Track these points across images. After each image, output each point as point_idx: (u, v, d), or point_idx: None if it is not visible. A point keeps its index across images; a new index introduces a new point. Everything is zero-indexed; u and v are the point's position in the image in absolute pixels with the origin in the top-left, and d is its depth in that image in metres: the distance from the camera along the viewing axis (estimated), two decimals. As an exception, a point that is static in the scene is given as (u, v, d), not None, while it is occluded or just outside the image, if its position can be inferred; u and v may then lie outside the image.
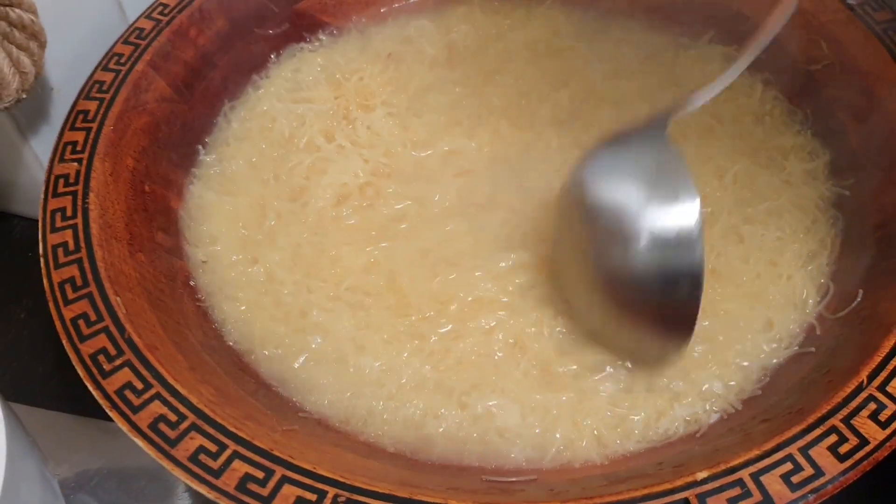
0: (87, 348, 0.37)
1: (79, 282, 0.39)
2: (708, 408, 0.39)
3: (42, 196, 0.43)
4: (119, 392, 0.35)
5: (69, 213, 0.42)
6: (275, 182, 0.51)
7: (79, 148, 0.45)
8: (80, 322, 0.37)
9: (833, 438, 0.32)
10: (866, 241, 0.43)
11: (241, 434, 0.34)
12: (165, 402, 0.35)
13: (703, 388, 0.40)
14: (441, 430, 0.39)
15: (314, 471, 0.32)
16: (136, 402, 0.35)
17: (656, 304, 0.38)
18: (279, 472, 0.32)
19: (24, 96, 0.45)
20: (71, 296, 0.38)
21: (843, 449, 0.32)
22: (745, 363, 0.41)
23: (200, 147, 0.52)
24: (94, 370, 0.36)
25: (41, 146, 0.53)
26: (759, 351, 0.41)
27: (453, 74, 0.57)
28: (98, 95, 0.47)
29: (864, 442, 0.32)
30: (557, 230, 0.45)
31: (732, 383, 0.40)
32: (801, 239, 0.46)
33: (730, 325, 0.42)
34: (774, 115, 0.52)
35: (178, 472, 0.33)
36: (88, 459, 0.47)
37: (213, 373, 0.39)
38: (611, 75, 0.55)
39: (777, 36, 0.53)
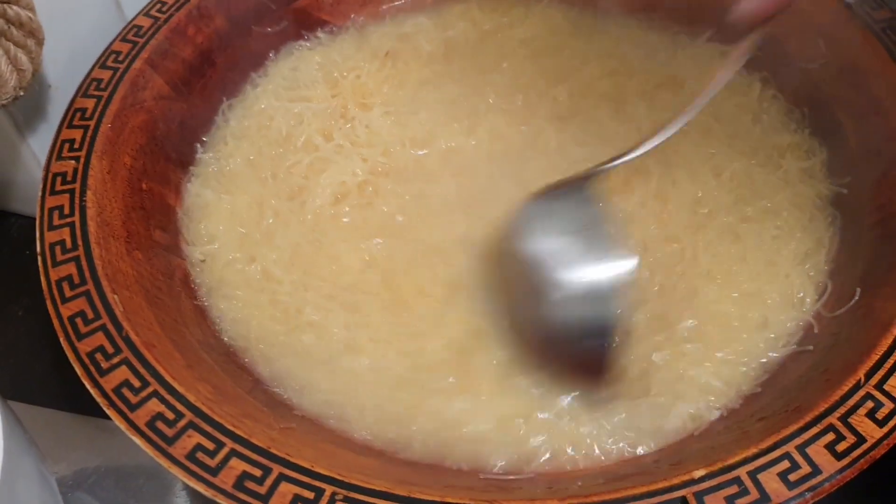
0: (84, 346, 0.36)
1: (76, 280, 0.39)
2: (706, 405, 0.39)
3: (39, 194, 0.43)
4: (116, 390, 0.35)
5: (66, 210, 0.42)
6: (273, 181, 0.51)
7: (76, 146, 0.44)
8: (78, 320, 0.37)
9: (830, 436, 0.32)
10: (864, 240, 0.43)
11: (238, 432, 0.34)
12: (163, 400, 0.35)
13: (700, 385, 0.40)
14: (428, 433, 0.39)
15: (312, 469, 0.32)
16: (134, 399, 0.35)
17: (573, 352, 0.40)
18: (276, 469, 0.32)
19: (22, 94, 0.45)
20: (68, 294, 0.38)
21: (841, 447, 0.32)
22: (743, 361, 0.41)
23: (198, 145, 0.52)
24: (92, 368, 0.36)
25: (39, 144, 0.53)
26: (756, 349, 0.41)
27: (451, 72, 0.57)
28: (96, 93, 0.47)
29: (861, 440, 0.32)
30: (496, 275, 0.46)
31: (730, 381, 0.40)
32: (798, 237, 0.46)
33: (724, 325, 0.42)
34: (772, 114, 0.52)
35: (175, 470, 0.33)
36: (86, 457, 0.48)
37: (210, 371, 0.39)
38: (609, 73, 0.55)
39: (776, 34, 0.53)
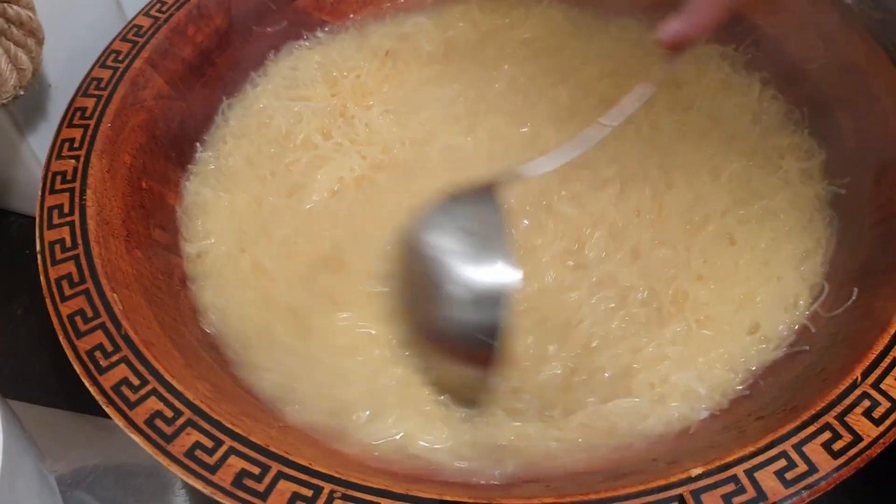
0: (83, 344, 0.37)
1: (76, 278, 0.39)
2: (694, 408, 0.40)
3: (39, 193, 0.43)
4: (115, 388, 0.35)
5: (66, 209, 0.42)
6: (271, 178, 0.51)
7: (76, 145, 0.45)
8: (77, 318, 0.37)
9: (827, 435, 0.32)
10: (862, 240, 0.43)
11: (237, 430, 0.34)
12: (162, 398, 0.35)
13: (683, 391, 0.40)
14: (421, 442, 0.39)
15: (310, 466, 0.32)
16: (133, 398, 0.35)
17: (460, 351, 0.40)
18: (275, 467, 0.32)
19: (22, 93, 0.45)
20: (68, 292, 0.38)
21: (837, 446, 0.32)
22: (730, 365, 0.41)
23: (198, 144, 0.52)
24: (91, 366, 0.36)
25: (39, 143, 0.53)
26: (745, 353, 0.41)
27: (451, 72, 0.57)
28: (96, 92, 0.47)
29: (857, 439, 0.32)
30: (396, 272, 0.46)
31: (714, 386, 0.40)
32: (795, 239, 0.45)
33: (714, 329, 0.42)
34: (771, 114, 0.52)
35: (174, 468, 0.33)
36: (85, 456, 0.48)
37: (209, 369, 0.39)
38: (608, 74, 0.55)
39: (775, 35, 0.53)
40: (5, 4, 0.42)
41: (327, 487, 0.32)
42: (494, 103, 0.55)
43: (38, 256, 0.40)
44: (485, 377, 0.39)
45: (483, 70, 0.57)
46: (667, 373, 0.40)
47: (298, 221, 0.49)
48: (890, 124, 0.45)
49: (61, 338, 0.37)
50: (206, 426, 0.34)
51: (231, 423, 0.34)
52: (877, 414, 0.33)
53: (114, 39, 0.50)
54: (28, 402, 0.49)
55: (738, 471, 0.32)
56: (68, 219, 0.41)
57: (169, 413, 0.34)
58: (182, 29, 0.52)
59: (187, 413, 0.34)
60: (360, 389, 0.41)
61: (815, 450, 0.32)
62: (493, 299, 0.39)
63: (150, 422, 0.34)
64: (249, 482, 0.32)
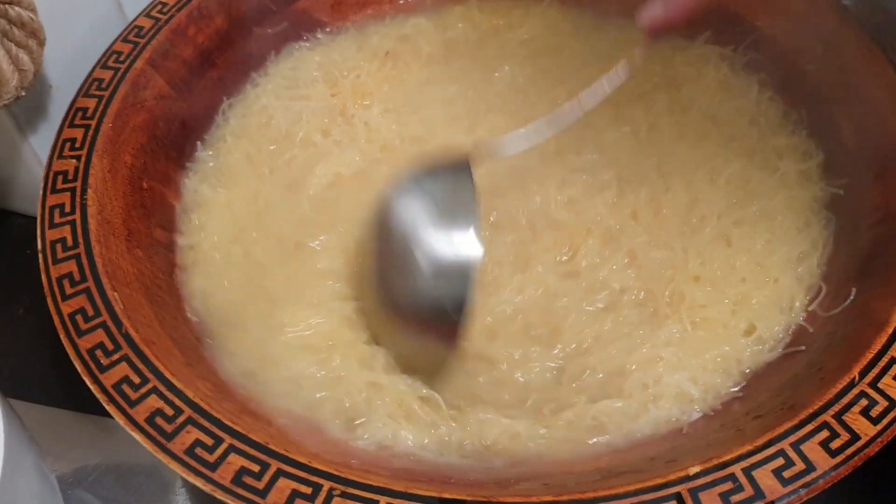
0: (84, 343, 0.37)
1: (77, 277, 0.39)
2: (685, 409, 0.40)
3: (41, 192, 0.43)
4: (116, 386, 0.35)
5: (67, 209, 0.42)
6: (270, 175, 0.51)
7: (77, 145, 0.45)
8: (78, 317, 0.38)
9: (825, 434, 0.33)
10: (859, 241, 0.43)
11: (237, 428, 0.34)
12: (162, 397, 0.35)
13: (677, 392, 0.40)
14: (410, 440, 0.40)
15: (309, 464, 0.33)
16: (133, 396, 0.35)
17: (426, 322, 0.40)
18: (274, 465, 0.33)
19: (24, 94, 0.45)
20: (69, 291, 0.39)
21: (835, 444, 0.32)
22: (723, 368, 0.41)
23: (199, 143, 0.53)
24: (92, 365, 0.36)
25: (40, 143, 0.53)
26: (739, 355, 0.42)
27: (451, 72, 0.57)
28: (97, 93, 0.47)
29: (855, 437, 0.32)
30: (366, 247, 0.46)
31: (707, 387, 0.40)
32: (792, 241, 0.46)
33: (709, 331, 0.42)
34: (769, 116, 0.52)
35: (174, 466, 0.33)
36: (86, 455, 0.48)
37: (209, 367, 0.40)
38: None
39: (773, 36, 0.54)
40: (7, 6, 0.42)
41: (326, 485, 0.32)
42: (494, 103, 0.55)
43: (40, 255, 0.40)
44: (447, 350, 0.39)
45: (483, 71, 0.57)
46: (660, 374, 0.41)
47: (293, 215, 0.49)
48: (888, 125, 0.45)
49: (62, 336, 0.37)
50: (207, 424, 0.34)
51: (231, 421, 0.34)
52: (874, 413, 0.33)
53: (115, 40, 0.50)
54: (29, 402, 0.49)
55: (736, 469, 0.32)
56: (69, 218, 0.42)
57: (169, 411, 0.34)
58: (183, 30, 0.52)
59: (187, 411, 0.34)
60: (332, 386, 0.41)
61: (812, 448, 0.32)
62: (458, 272, 0.39)
63: (150, 420, 0.34)
64: (249, 480, 0.32)
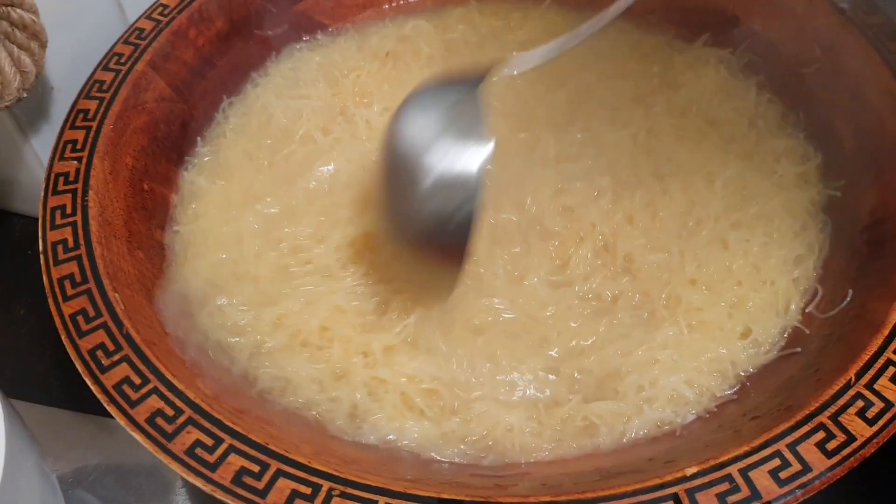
0: (85, 344, 0.37)
1: (78, 278, 0.39)
2: (678, 412, 0.40)
3: (42, 194, 0.43)
4: (117, 387, 0.35)
5: (69, 210, 0.42)
6: (269, 168, 0.52)
7: (79, 146, 0.45)
8: (79, 318, 0.38)
9: (821, 435, 0.33)
10: (856, 243, 0.44)
11: (237, 428, 0.34)
12: (163, 397, 0.35)
13: (672, 394, 0.40)
14: (416, 434, 0.40)
15: (309, 464, 0.33)
16: (134, 396, 0.35)
17: (434, 238, 0.40)
18: (274, 465, 0.33)
19: (25, 95, 0.46)
20: (70, 292, 0.39)
21: (831, 445, 0.32)
22: (719, 370, 0.41)
23: (199, 139, 0.53)
24: (93, 365, 0.36)
25: (41, 144, 0.54)
26: (735, 358, 0.42)
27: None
28: (98, 95, 0.47)
29: (851, 438, 0.32)
30: (377, 171, 0.46)
31: (703, 389, 0.41)
32: (789, 244, 0.46)
33: (706, 334, 0.43)
34: (768, 118, 0.52)
35: (174, 466, 0.33)
36: (87, 456, 0.48)
37: (209, 368, 0.40)
38: (606, 77, 0.56)
39: (771, 39, 0.54)
40: (9, 8, 0.43)
41: (326, 485, 0.32)
42: (494, 106, 0.55)
43: (41, 256, 0.40)
44: (454, 270, 0.40)
45: (482, 72, 0.57)
46: (656, 376, 0.41)
47: (289, 206, 0.49)
48: (885, 128, 0.45)
49: (63, 337, 0.37)
50: (207, 424, 0.34)
51: (231, 422, 0.34)
52: (870, 414, 0.33)
53: (116, 42, 0.51)
54: (30, 402, 0.50)
55: (733, 470, 0.32)
56: (71, 219, 0.42)
57: (170, 411, 0.35)
58: (183, 32, 0.52)
59: (188, 411, 0.35)
60: (333, 382, 0.42)
61: (809, 449, 0.32)
62: (461, 185, 0.38)
63: (151, 420, 0.34)
64: (249, 480, 0.32)
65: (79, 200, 0.43)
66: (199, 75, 0.53)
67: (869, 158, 0.46)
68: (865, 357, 0.35)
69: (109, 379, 0.36)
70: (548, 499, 0.32)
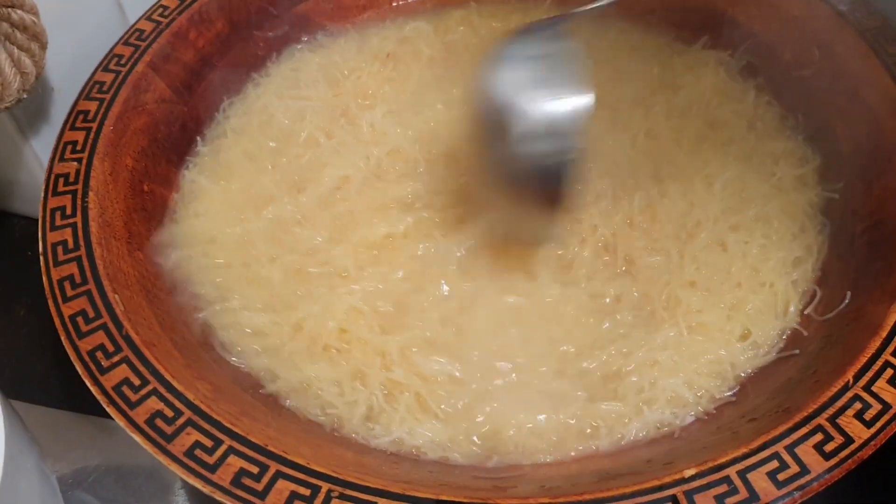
0: (85, 345, 0.37)
1: (78, 279, 0.39)
2: (677, 413, 0.40)
3: (42, 195, 0.43)
4: (117, 388, 0.35)
5: (69, 211, 0.42)
6: (272, 170, 0.52)
7: (79, 147, 0.45)
8: (79, 319, 0.38)
9: (819, 437, 0.33)
10: (854, 245, 0.44)
11: (236, 430, 0.34)
12: (162, 398, 0.35)
13: (671, 396, 0.40)
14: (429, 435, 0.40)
15: (308, 466, 0.33)
16: (134, 397, 0.35)
17: (535, 183, 0.42)
18: (273, 467, 0.33)
19: (25, 96, 0.46)
20: (70, 293, 0.39)
21: (829, 447, 0.32)
22: (718, 372, 0.41)
23: (199, 138, 0.53)
24: (93, 366, 0.36)
25: (41, 145, 0.54)
26: (734, 359, 0.42)
27: (451, 75, 0.57)
28: (98, 96, 0.48)
29: (849, 440, 0.33)
30: (473, 124, 0.47)
31: (702, 391, 0.41)
32: (787, 246, 0.46)
33: (705, 336, 0.43)
34: (766, 121, 0.52)
35: (174, 467, 0.33)
36: (86, 456, 0.48)
37: (209, 369, 0.40)
38: (606, 79, 0.56)
39: (770, 41, 0.54)
40: (9, 9, 0.43)
41: (325, 486, 0.32)
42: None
43: (41, 257, 0.40)
44: (551, 213, 0.42)
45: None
46: (656, 378, 0.41)
47: (300, 210, 0.49)
48: (883, 130, 0.45)
49: (63, 338, 0.37)
50: (206, 426, 0.34)
51: (230, 423, 0.34)
52: (868, 416, 0.33)
53: (116, 43, 0.51)
54: (30, 403, 0.50)
55: (731, 472, 0.32)
56: (70, 220, 0.42)
57: (169, 413, 0.35)
58: (184, 33, 0.53)
59: (187, 413, 0.35)
60: (349, 385, 0.42)
61: (807, 451, 0.32)
62: (563, 130, 0.40)
63: (150, 421, 0.34)
64: (248, 481, 0.32)
65: (79, 201, 0.43)
66: (199, 76, 0.53)
67: (867, 160, 0.46)
68: (863, 359, 0.35)
69: (109, 380, 0.36)
70: (546, 500, 0.32)
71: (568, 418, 0.40)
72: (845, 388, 0.34)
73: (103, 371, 0.36)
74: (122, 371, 0.36)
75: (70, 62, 0.52)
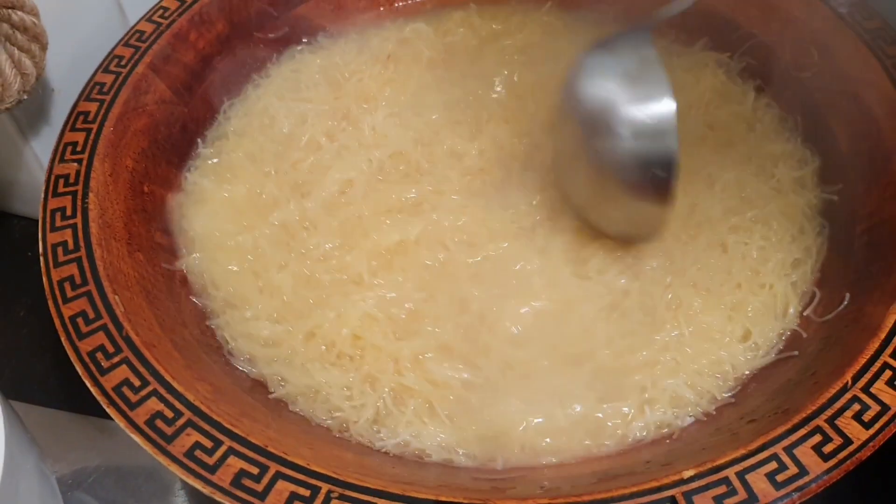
0: (85, 346, 0.37)
1: (78, 280, 0.39)
2: (678, 413, 0.40)
3: (42, 196, 0.43)
4: (116, 389, 0.36)
5: (69, 212, 0.42)
6: (275, 174, 0.52)
7: (79, 148, 0.45)
8: (79, 320, 0.38)
9: (817, 438, 0.33)
10: (853, 247, 0.44)
11: (236, 430, 0.34)
12: (162, 399, 0.35)
13: (672, 396, 0.41)
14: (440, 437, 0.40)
15: (308, 467, 0.33)
16: (134, 398, 0.35)
17: (638, 186, 0.43)
18: (273, 468, 0.33)
19: (26, 97, 0.46)
20: (70, 294, 0.39)
21: (828, 448, 0.33)
22: (718, 372, 0.42)
23: (199, 140, 0.53)
24: (93, 367, 0.36)
25: (41, 146, 0.54)
26: (734, 360, 0.42)
27: (452, 77, 0.58)
28: (98, 97, 0.48)
29: (847, 442, 0.33)
30: (557, 130, 0.49)
31: (702, 391, 0.41)
32: (786, 247, 0.46)
33: (706, 337, 0.43)
34: (766, 122, 0.53)
35: (174, 468, 0.33)
36: (86, 457, 0.48)
37: (209, 370, 0.40)
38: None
39: (769, 43, 0.54)
40: (10, 10, 0.43)
41: (325, 487, 0.32)
42: (495, 111, 0.55)
43: (41, 258, 0.40)
44: (661, 207, 0.43)
45: (483, 76, 0.57)
46: (657, 378, 0.41)
47: (306, 216, 0.49)
48: (882, 132, 0.45)
49: (63, 339, 0.37)
50: (206, 427, 0.34)
51: (230, 424, 0.34)
52: (867, 417, 0.33)
53: (116, 44, 0.51)
54: (29, 403, 0.50)
55: (730, 473, 0.32)
56: (71, 221, 0.42)
57: (169, 414, 0.35)
58: (184, 35, 0.53)
59: (187, 414, 0.35)
60: (360, 390, 0.42)
61: (805, 452, 0.33)
62: (658, 131, 0.42)
63: (150, 422, 0.34)
64: (248, 482, 0.32)
65: (79, 202, 0.43)
66: (199, 78, 0.53)
67: (865, 162, 0.46)
68: (862, 360, 0.35)
69: (109, 381, 0.36)
70: (545, 501, 0.32)
71: (574, 418, 0.40)
72: (844, 390, 0.34)
73: (103, 372, 0.36)
74: (122, 372, 0.36)
75: (70, 63, 0.52)
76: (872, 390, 0.34)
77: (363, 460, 0.38)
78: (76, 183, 0.43)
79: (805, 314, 0.43)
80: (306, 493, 0.32)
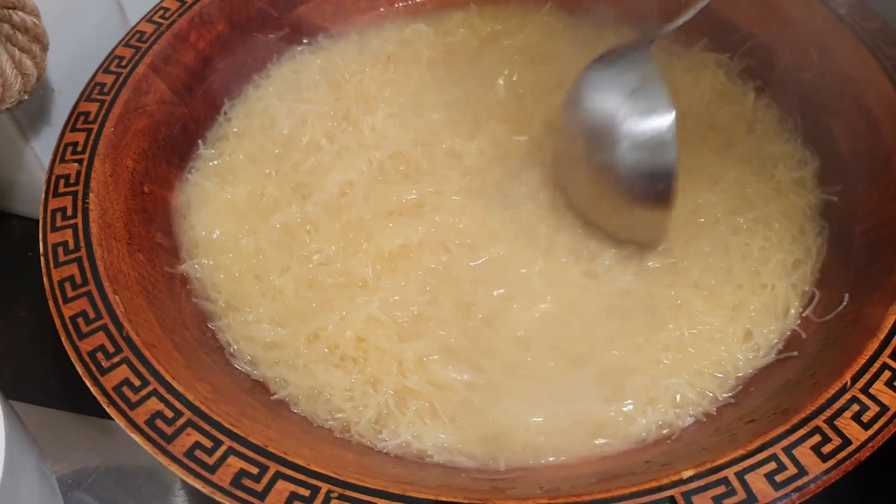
0: (85, 346, 0.37)
1: (78, 280, 0.39)
2: (679, 413, 0.40)
3: (43, 196, 0.43)
4: (117, 389, 0.36)
5: (69, 212, 0.42)
6: (276, 176, 0.52)
7: (79, 149, 0.45)
8: (80, 320, 0.38)
9: (817, 439, 0.33)
10: (853, 248, 0.44)
11: (236, 430, 0.34)
12: (162, 399, 0.35)
13: (674, 396, 0.41)
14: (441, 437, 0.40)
15: (308, 467, 0.33)
16: (134, 398, 0.35)
17: (639, 196, 0.45)
18: (273, 468, 0.33)
19: (26, 98, 0.46)
20: (70, 294, 0.39)
21: (827, 449, 0.33)
22: (719, 372, 0.42)
23: (200, 142, 0.53)
24: (93, 367, 0.36)
25: (42, 147, 0.54)
26: (734, 360, 0.42)
27: (452, 78, 0.58)
28: (99, 97, 0.48)
29: (846, 442, 0.33)
30: (560, 140, 0.50)
31: (704, 391, 0.41)
32: (786, 248, 0.46)
33: (707, 337, 0.43)
34: (766, 123, 0.53)
35: (174, 468, 0.33)
36: (86, 457, 0.48)
37: (209, 370, 0.40)
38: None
39: (769, 44, 0.54)
40: (11, 11, 0.43)
41: (324, 487, 0.32)
42: (495, 111, 0.55)
43: (42, 258, 0.41)
44: (663, 214, 0.44)
45: (483, 76, 0.57)
46: (658, 378, 0.41)
47: (308, 218, 0.49)
48: (881, 132, 0.45)
49: (63, 339, 0.37)
50: (206, 427, 0.34)
51: (230, 424, 0.34)
52: (866, 418, 0.33)
53: (117, 45, 0.51)
54: (30, 403, 0.50)
55: (729, 473, 0.32)
56: (71, 222, 0.42)
57: (169, 413, 0.35)
58: (184, 35, 0.53)
59: (187, 414, 0.35)
60: (362, 392, 0.42)
61: (804, 453, 0.33)
62: (660, 144, 0.43)
63: (150, 422, 0.34)
64: (248, 482, 0.32)
65: (79, 203, 0.43)
66: (199, 78, 0.53)
67: (865, 163, 0.46)
68: (861, 361, 0.35)
69: (109, 381, 0.36)
70: (544, 501, 0.32)
71: (576, 418, 0.40)
72: (843, 390, 0.34)
73: (103, 372, 0.36)
74: (123, 372, 0.36)
75: (71, 64, 0.52)
76: (871, 391, 0.34)
77: (364, 461, 0.38)
78: (77, 183, 0.44)
79: (805, 315, 0.43)
80: (306, 493, 0.32)
